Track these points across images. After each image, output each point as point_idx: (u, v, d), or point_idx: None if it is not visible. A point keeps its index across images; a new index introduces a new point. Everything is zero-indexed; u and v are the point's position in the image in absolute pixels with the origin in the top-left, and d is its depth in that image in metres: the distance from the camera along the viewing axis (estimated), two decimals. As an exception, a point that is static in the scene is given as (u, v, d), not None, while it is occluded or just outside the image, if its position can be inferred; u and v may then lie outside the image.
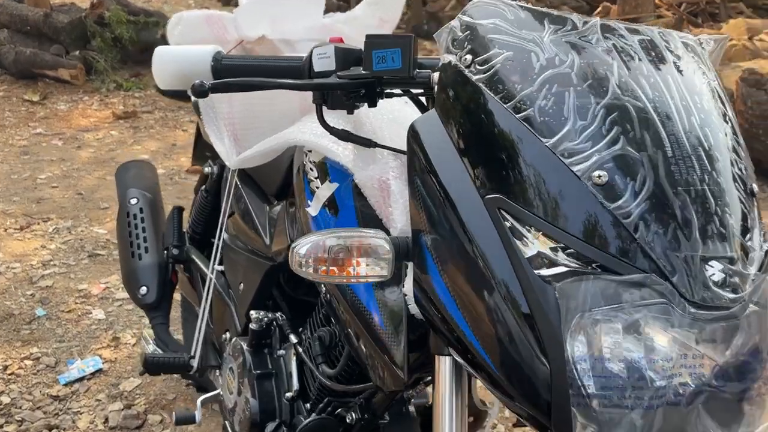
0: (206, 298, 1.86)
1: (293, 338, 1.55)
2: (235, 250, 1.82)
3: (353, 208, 1.21)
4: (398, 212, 1.01)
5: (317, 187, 1.30)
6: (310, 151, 1.36)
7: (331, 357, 1.43)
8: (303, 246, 0.91)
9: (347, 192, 1.23)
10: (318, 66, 1.11)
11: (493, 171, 0.85)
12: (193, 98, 1.78)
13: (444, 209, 0.88)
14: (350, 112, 1.14)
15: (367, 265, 0.90)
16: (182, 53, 1.18)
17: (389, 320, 1.10)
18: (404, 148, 1.15)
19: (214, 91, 1.07)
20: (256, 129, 1.68)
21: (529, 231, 0.81)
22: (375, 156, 1.14)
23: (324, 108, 1.15)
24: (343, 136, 1.15)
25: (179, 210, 2.22)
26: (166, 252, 2.13)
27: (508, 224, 0.82)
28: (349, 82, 1.06)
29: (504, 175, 0.84)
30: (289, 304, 1.74)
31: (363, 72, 1.06)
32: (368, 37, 1.07)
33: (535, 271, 0.79)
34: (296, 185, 1.42)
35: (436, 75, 1.06)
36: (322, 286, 1.33)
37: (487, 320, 0.84)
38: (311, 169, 1.34)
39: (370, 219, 1.15)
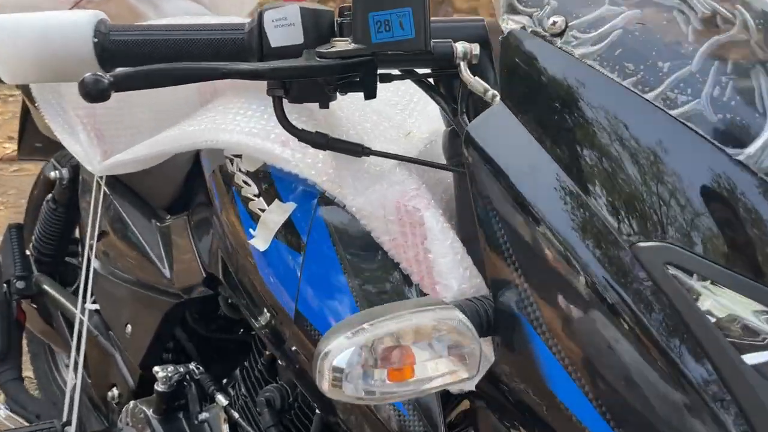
0: (77, 348, 1.40)
1: (221, 398, 1.17)
2: (113, 282, 1.38)
3: (329, 239, 0.84)
4: (447, 261, 0.67)
5: (261, 210, 0.92)
6: (239, 157, 0.97)
7: (287, 424, 1.07)
8: (338, 354, 0.55)
9: (315, 216, 0.86)
10: (277, 39, 0.73)
11: (644, 205, 0.54)
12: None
13: (554, 257, 0.56)
14: (325, 105, 0.77)
15: (443, 364, 0.56)
16: (41, 24, 0.74)
17: (412, 401, 0.77)
18: (405, 153, 0.81)
19: (119, 87, 0.66)
20: (132, 123, 1.24)
21: (704, 285, 0.52)
22: (370, 168, 0.78)
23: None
24: (321, 142, 0.78)
25: (17, 229, 1.70)
26: (6, 286, 1.62)
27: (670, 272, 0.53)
28: (339, 64, 0.69)
29: (665, 210, 0.53)
30: (198, 345, 1.34)
31: (356, 46, 0.70)
32: (357, -10, 0.70)
33: (749, 360, 0.50)
34: (219, 200, 1.02)
35: (460, 47, 0.72)
36: (258, 321, 0.97)
37: (651, 420, 0.54)
38: (245, 183, 0.95)
39: (368, 259, 0.80)
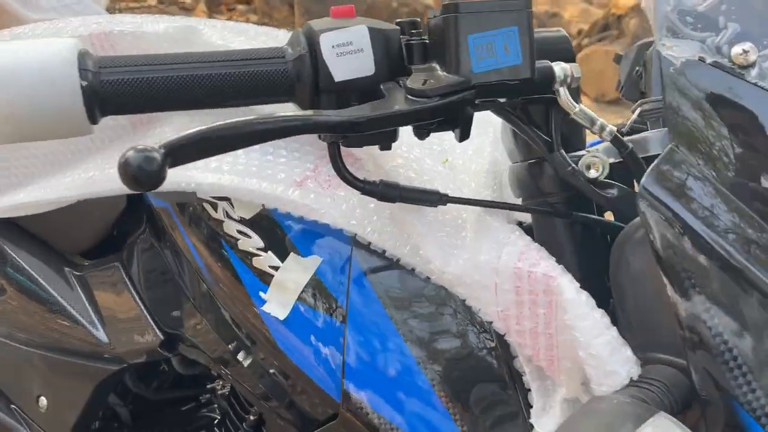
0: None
1: None
2: (12, 347, 1.11)
3: (378, 300, 0.70)
4: (604, 341, 0.55)
5: (273, 267, 0.74)
6: (225, 200, 0.78)
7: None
8: None
9: (352, 271, 0.71)
10: (342, 71, 0.56)
11: None
12: None
13: None
14: (387, 147, 0.62)
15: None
16: (2, 63, 0.51)
17: None
18: (475, 195, 0.68)
19: (175, 161, 0.47)
20: (31, 153, 0.97)
21: None
22: (446, 220, 0.64)
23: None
24: (392, 194, 0.62)
25: None
26: None
27: None
28: (442, 103, 0.54)
29: None
30: (135, 409, 1.12)
31: (454, 78, 0.55)
32: (449, 7, 0.55)
33: None
34: (197, 253, 0.82)
35: (558, 69, 0.59)
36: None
37: None
38: (242, 233, 0.77)
39: (436, 322, 0.67)
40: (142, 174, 0.44)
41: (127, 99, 0.54)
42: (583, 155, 0.62)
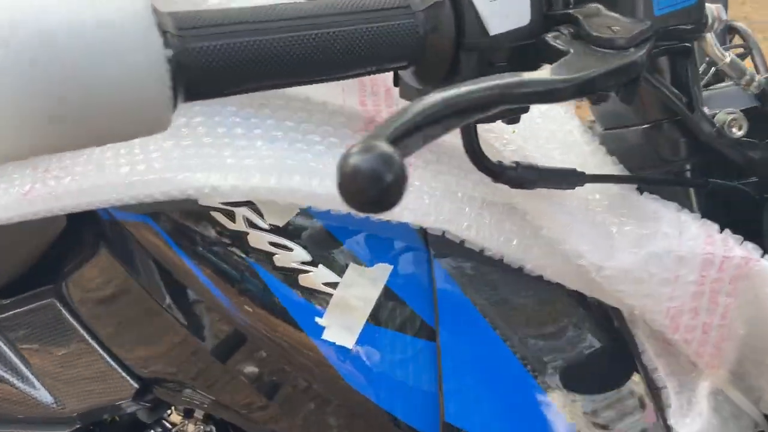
0: None
1: None
2: None
3: (475, 310, 0.57)
4: None
5: (329, 284, 0.59)
6: (247, 204, 0.61)
7: None
8: None
9: (440, 279, 0.57)
10: (496, 21, 0.43)
11: None
12: None
13: None
14: (515, 119, 0.49)
15: None
16: (59, 35, 0.32)
17: None
18: (583, 167, 0.57)
19: (404, 154, 0.31)
20: None
21: None
22: (574, 203, 0.52)
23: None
24: (531, 178, 0.50)
25: None
26: None
27: None
28: (637, 57, 0.42)
29: None
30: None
31: (638, 25, 0.44)
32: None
33: None
34: (205, 277, 0.64)
35: (710, 10, 0.50)
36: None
37: None
38: (278, 246, 0.60)
39: (556, 332, 0.56)
40: (378, 185, 0.28)
41: (220, 75, 0.37)
42: (716, 113, 0.54)
